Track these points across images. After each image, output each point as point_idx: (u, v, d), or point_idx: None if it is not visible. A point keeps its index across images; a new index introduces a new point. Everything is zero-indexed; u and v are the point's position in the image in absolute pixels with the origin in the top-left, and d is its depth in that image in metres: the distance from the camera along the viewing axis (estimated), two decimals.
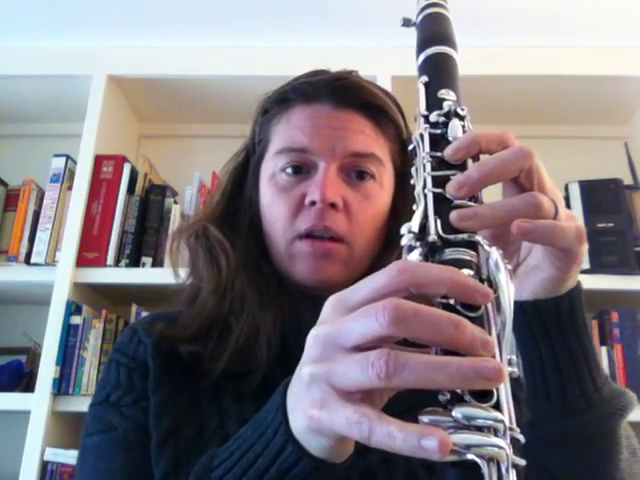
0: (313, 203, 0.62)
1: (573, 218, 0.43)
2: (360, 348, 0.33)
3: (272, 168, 0.67)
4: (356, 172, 0.65)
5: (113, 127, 1.69)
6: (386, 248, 0.68)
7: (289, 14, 1.63)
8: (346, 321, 0.33)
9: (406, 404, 0.38)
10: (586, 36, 1.63)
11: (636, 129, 1.78)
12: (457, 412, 0.30)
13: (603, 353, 1.42)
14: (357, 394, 0.33)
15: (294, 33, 1.67)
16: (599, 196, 1.53)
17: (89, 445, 0.61)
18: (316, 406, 0.34)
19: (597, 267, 1.46)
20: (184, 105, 1.77)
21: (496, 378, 0.30)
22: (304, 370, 0.35)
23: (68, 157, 1.61)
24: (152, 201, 1.58)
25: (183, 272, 0.71)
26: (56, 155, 1.61)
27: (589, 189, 1.54)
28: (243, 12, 1.63)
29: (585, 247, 0.43)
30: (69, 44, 1.70)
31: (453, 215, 0.38)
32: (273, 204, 0.66)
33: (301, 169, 0.65)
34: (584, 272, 1.46)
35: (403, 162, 0.70)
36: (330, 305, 0.36)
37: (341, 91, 0.67)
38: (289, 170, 0.65)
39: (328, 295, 0.64)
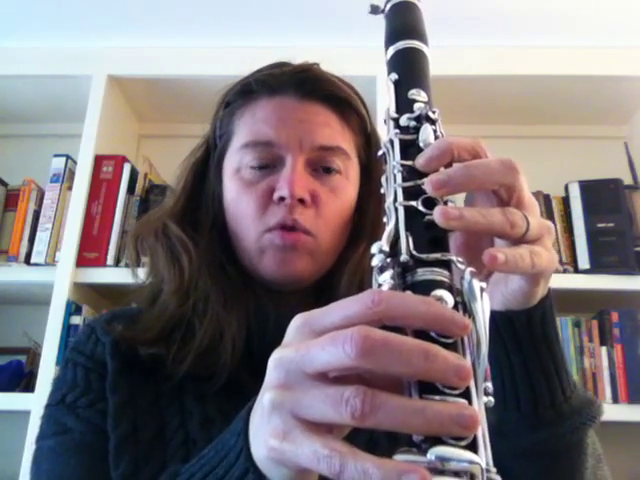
0: (282, 199, 0.61)
1: (547, 229, 0.42)
2: (326, 376, 0.32)
3: (237, 162, 0.65)
4: (323, 166, 0.65)
5: (113, 127, 1.69)
6: (352, 242, 0.67)
7: (289, 14, 1.63)
8: (311, 346, 0.32)
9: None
10: (586, 36, 1.63)
11: (636, 129, 1.77)
12: (432, 454, 0.29)
13: (603, 353, 1.41)
14: (323, 426, 0.31)
15: (294, 33, 1.67)
16: (599, 196, 1.53)
17: (43, 448, 0.59)
18: (278, 437, 0.32)
19: (597, 267, 1.46)
20: (184, 105, 1.76)
21: (472, 427, 0.30)
22: (265, 396, 0.33)
23: (68, 157, 1.60)
24: (152, 201, 1.58)
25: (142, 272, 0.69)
26: (56, 155, 1.61)
27: (589, 189, 1.54)
28: (244, 12, 1.63)
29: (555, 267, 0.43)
30: (69, 44, 1.70)
31: (437, 213, 0.37)
32: (239, 199, 0.64)
33: (267, 164, 0.64)
34: (584, 272, 1.46)
35: (368, 155, 0.70)
36: (296, 326, 0.34)
37: (306, 83, 0.66)
38: (255, 164, 0.64)
39: (292, 290, 0.64)
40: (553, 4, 1.56)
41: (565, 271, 1.47)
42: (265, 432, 0.33)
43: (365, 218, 0.67)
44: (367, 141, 0.70)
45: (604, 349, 1.42)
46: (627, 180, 1.62)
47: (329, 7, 1.60)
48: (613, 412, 1.35)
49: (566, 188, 1.56)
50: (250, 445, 0.36)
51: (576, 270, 1.47)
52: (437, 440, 0.30)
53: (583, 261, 1.47)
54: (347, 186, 0.66)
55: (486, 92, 1.68)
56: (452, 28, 1.57)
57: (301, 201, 0.61)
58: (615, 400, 1.37)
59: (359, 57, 1.50)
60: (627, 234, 1.49)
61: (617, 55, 1.63)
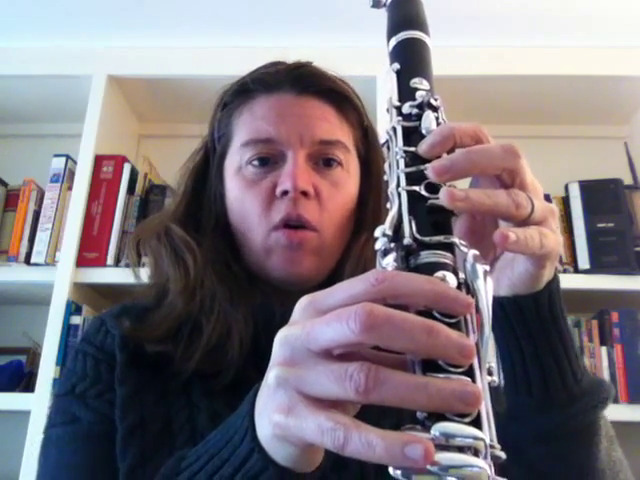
0: (285, 193, 0.62)
1: (551, 211, 0.42)
2: (330, 353, 0.32)
3: (238, 162, 0.66)
4: (323, 160, 0.65)
5: (113, 127, 1.69)
6: (354, 238, 0.67)
7: (289, 14, 1.63)
8: (316, 324, 0.32)
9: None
10: (586, 36, 1.63)
11: (636, 129, 1.77)
12: (435, 429, 0.29)
13: (603, 353, 1.42)
14: (327, 401, 0.31)
15: (294, 33, 1.67)
16: (599, 196, 1.53)
17: (52, 437, 0.59)
18: (283, 412, 0.32)
19: (597, 267, 1.46)
20: (184, 105, 1.76)
21: (475, 403, 0.30)
22: (271, 373, 0.34)
23: (68, 157, 1.60)
24: (152, 201, 1.58)
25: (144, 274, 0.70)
26: (56, 155, 1.61)
27: (589, 189, 1.54)
28: (243, 12, 1.63)
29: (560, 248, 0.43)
30: (69, 44, 1.70)
31: (443, 194, 0.37)
32: (242, 198, 0.65)
33: (268, 160, 0.64)
34: (584, 272, 1.46)
35: (366, 149, 0.70)
36: (301, 307, 0.35)
37: (302, 79, 0.67)
38: (256, 162, 0.64)
39: (299, 289, 0.64)
40: (553, 4, 1.56)
41: (565, 271, 1.47)
42: (270, 408, 0.34)
43: (366, 212, 0.68)
44: (364, 135, 0.71)
45: (604, 349, 1.42)
46: (627, 180, 1.62)
47: (329, 7, 1.60)
48: (613, 412, 1.33)
49: (566, 188, 1.56)
50: (255, 426, 0.37)
51: (576, 270, 1.47)
52: (440, 417, 0.30)
53: (583, 261, 1.47)
54: (348, 180, 0.67)
55: (486, 92, 1.68)
56: (452, 28, 1.57)
57: (304, 194, 0.62)
58: (615, 400, 1.37)
59: (359, 57, 1.50)
60: (627, 234, 1.49)
61: (617, 55, 1.63)
